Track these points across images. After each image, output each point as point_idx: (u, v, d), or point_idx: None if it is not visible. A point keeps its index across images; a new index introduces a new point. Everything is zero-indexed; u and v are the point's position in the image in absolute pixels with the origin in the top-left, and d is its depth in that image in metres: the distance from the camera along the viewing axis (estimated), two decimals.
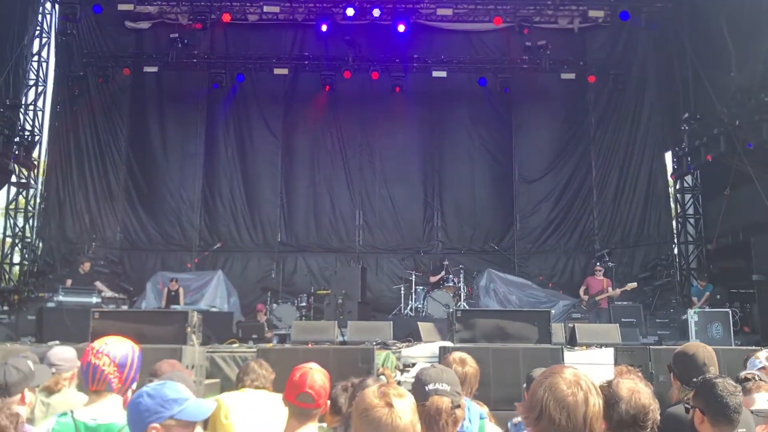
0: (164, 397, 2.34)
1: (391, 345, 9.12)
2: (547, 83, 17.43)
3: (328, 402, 3.12)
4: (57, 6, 16.55)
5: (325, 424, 3.63)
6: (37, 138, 15.91)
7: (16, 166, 14.70)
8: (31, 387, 3.34)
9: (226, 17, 16.38)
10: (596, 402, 2.00)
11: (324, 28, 16.28)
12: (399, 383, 6.42)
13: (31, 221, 16.11)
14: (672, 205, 17.02)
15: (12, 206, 16.06)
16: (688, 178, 16.46)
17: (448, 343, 8.05)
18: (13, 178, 15.20)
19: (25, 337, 10.77)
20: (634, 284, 13.24)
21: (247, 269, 17.19)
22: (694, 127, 14.40)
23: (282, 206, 17.59)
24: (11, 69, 14.36)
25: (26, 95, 15.99)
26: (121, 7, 16.20)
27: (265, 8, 16.53)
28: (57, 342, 8.12)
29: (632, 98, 17.06)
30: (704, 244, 15.72)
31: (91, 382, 2.82)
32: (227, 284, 15.97)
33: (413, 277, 14.69)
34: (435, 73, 17.08)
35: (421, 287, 14.55)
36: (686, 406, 3.13)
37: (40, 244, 15.98)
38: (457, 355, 4.12)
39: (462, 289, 14.57)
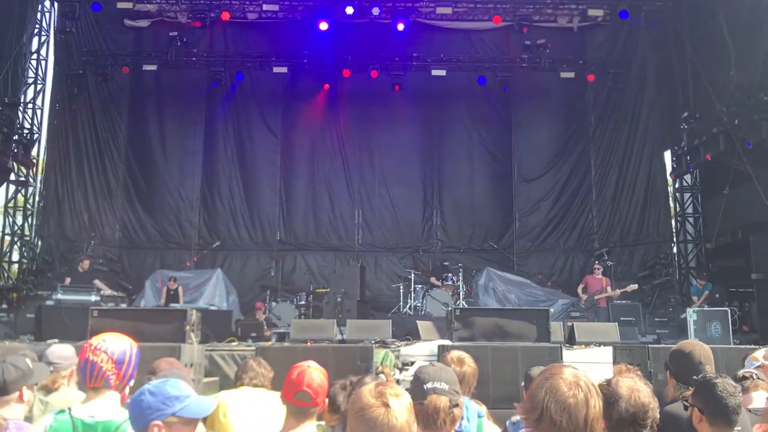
0: (166, 394, 2.35)
1: (390, 343, 9.12)
2: (547, 82, 17.43)
3: (326, 400, 3.12)
4: (56, 4, 16.54)
5: (323, 423, 3.62)
6: (36, 136, 15.91)
7: (15, 164, 14.70)
8: (30, 385, 3.33)
9: (226, 15, 16.37)
10: (596, 403, 2.00)
11: (323, 26, 16.27)
12: (398, 382, 6.44)
13: (30, 219, 16.11)
14: (671, 203, 17.02)
15: (11, 204, 16.06)
16: (688, 177, 16.47)
17: (446, 342, 8.05)
18: (12, 177, 15.22)
19: (23, 335, 10.79)
20: (635, 286, 13.24)
21: (246, 268, 17.19)
22: (694, 126, 14.41)
23: (281, 205, 17.59)
24: (10, 67, 14.35)
25: (25, 93, 15.98)
26: (120, 5, 16.19)
27: (265, 7, 16.54)
28: (56, 340, 8.11)
29: (631, 97, 17.06)
30: (703, 243, 15.73)
31: (89, 378, 2.82)
32: (226, 282, 15.98)
33: (412, 275, 14.71)
34: (434, 72, 17.08)
35: (420, 286, 14.56)
36: (685, 404, 3.13)
37: (39, 243, 15.97)
38: (455, 354, 4.12)
39: (461, 288, 14.58)
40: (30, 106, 16.09)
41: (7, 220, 16.02)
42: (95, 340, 2.89)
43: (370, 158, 17.78)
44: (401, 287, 14.82)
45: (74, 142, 16.55)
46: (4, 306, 13.24)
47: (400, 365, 8.16)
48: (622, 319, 11.45)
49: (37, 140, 15.99)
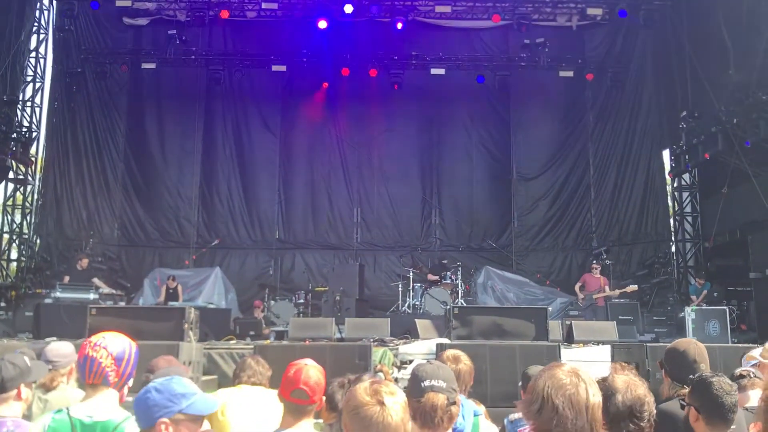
0: (172, 392, 2.37)
1: (388, 342, 9.13)
2: (546, 81, 17.43)
3: (324, 398, 3.12)
4: (55, 2, 16.54)
5: (321, 421, 3.63)
6: (34, 134, 15.90)
7: (13, 162, 14.70)
8: (28, 383, 3.33)
9: (225, 14, 16.37)
10: (596, 393, 2.01)
11: (322, 25, 16.25)
12: (396, 380, 6.44)
13: (28, 218, 16.09)
14: (669, 202, 17.02)
15: (9, 202, 16.05)
16: (686, 176, 16.48)
17: (445, 340, 8.07)
18: (11, 175, 15.21)
19: (22, 333, 10.80)
20: (635, 287, 13.25)
21: (244, 266, 17.19)
22: (692, 125, 14.42)
23: (280, 203, 17.59)
24: (9, 65, 14.34)
25: (24, 91, 15.98)
26: (119, 3, 16.18)
27: (264, 5, 16.52)
28: (54, 338, 8.11)
29: (630, 96, 17.07)
30: (702, 242, 15.74)
31: (88, 375, 2.82)
32: (225, 281, 15.97)
33: (411, 274, 14.72)
34: (433, 71, 17.06)
35: (419, 284, 14.56)
36: (681, 403, 3.14)
37: (38, 241, 15.96)
38: (450, 352, 4.12)
39: (460, 287, 14.57)
40: (29, 104, 16.09)
41: (5, 218, 16.02)
42: (95, 338, 2.89)
43: (369, 157, 17.77)
44: (400, 286, 14.82)
45: (73, 140, 16.54)
46: (3, 304, 13.26)
47: (398, 364, 8.17)
48: (620, 317, 11.47)
49: (36, 138, 15.99)
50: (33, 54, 16.37)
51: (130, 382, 2.93)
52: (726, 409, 2.92)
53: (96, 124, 16.99)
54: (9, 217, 15.99)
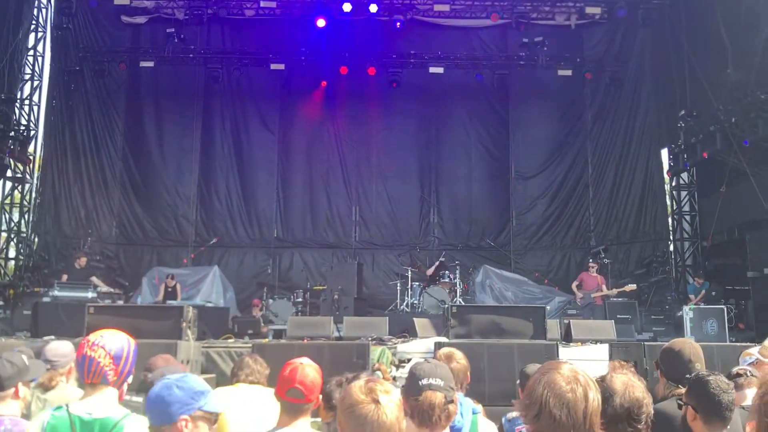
0: (193, 389, 2.41)
1: (386, 340, 9.14)
2: (544, 80, 17.44)
3: (320, 397, 3.12)
4: (53, 0, 16.49)
5: (319, 419, 3.64)
6: (32, 133, 15.85)
7: (11, 160, 14.67)
8: (26, 381, 3.33)
9: (223, 12, 16.34)
10: (595, 397, 1.99)
11: (321, 23, 16.25)
12: (394, 379, 6.45)
13: (26, 216, 16.05)
14: (668, 201, 17.03)
15: (7, 201, 16.02)
16: (684, 175, 16.48)
17: (443, 339, 8.08)
18: (9, 173, 15.17)
19: (20, 332, 10.79)
20: (634, 286, 13.27)
21: (243, 265, 17.18)
22: (691, 124, 14.43)
23: (278, 202, 17.59)
24: (6, 63, 14.32)
25: (22, 90, 15.92)
26: (117, 1, 16.20)
27: (262, 3, 16.50)
28: (52, 337, 8.10)
29: (629, 95, 17.07)
30: (700, 241, 15.75)
31: (87, 374, 2.81)
32: (223, 279, 15.96)
33: (409, 273, 14.72)
34: (432, 69, 17.07)
35: (417, 283, 14.57)
36: (679, 402, 3.14)
37: (36, 239, 15.93)
38: (443, 351, 4.12)
39: (458, 285, 14.59)
40: (26, 102, 16.03)
41: (3, 216, 15.97)
42: (93, 336, 2.88)
43: (368, 155, 17.77)
44: (398, 284, 14.84)
45: (71, 138, 16.52)
46: (1, 303, 13.25)
47: (396, 362, 8.18)
48: (618, 316, 11.47)
49: (34, 137, 15.95)
50: (31, 52, 16.32)
51: (130, 379, 2.92)
52: (723, 408, 2.93)
53: (94, 123, 16.97)
54: (7, 216, 15.96)
